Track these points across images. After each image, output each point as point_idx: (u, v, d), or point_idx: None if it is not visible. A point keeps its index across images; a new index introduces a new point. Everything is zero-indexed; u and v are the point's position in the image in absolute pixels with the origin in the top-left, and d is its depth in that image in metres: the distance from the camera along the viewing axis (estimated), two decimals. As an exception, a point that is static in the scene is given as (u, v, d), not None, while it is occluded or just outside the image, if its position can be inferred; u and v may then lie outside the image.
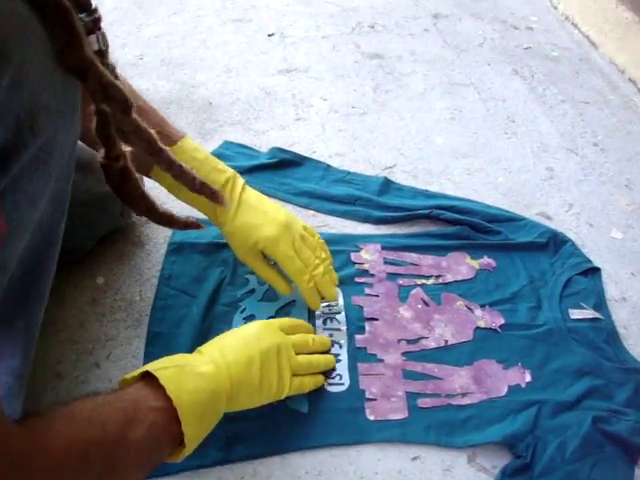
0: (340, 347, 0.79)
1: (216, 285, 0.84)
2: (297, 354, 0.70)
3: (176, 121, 1.11)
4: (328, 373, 0.76)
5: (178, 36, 1.35)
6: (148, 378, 0.55)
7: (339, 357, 0.78)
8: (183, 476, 0.67)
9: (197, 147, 0.77)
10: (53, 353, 0.76)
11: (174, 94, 1.18)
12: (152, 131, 0.53)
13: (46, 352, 0.76)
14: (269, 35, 1.38)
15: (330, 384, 0.75)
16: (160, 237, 0.91)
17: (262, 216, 0.77)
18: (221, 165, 0.78)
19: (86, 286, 0.84)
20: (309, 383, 0.72)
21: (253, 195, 0.79)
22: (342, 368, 0.77)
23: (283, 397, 0.68)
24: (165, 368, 0.56)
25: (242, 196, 0.78)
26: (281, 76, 1.26)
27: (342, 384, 0.75)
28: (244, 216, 0.77)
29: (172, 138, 0.75)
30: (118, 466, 0.49)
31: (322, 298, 0.82)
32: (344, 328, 0.81)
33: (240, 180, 0.79)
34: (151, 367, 0.56)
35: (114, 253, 0.88)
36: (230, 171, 0.78)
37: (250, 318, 0.81)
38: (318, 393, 0.74)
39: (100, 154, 0.51)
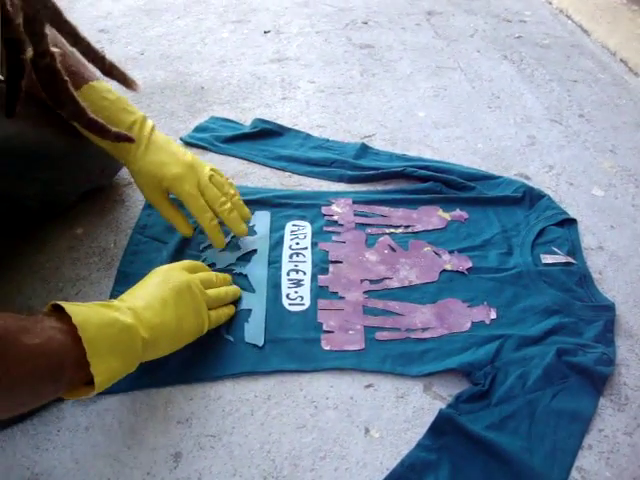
0: (304, 274, 0.81)
1: None
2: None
3: (168, 103, 1.17)
4: (237, 304, 0.78)
5: (179, 35, 1.42)
6: (58, 312, 0.55)
7: (302, 282, 0.80)
8: (132, 395, 0.68)
9: (110, 89, 0.78)
10: (26, 290, 0.79)
11: (169, 81, 1.23)
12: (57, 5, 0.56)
13: (19, 289, 0.79)
14: (265, 32, 1.44)
15: (292, 304, 0.77)
16: (140, 196, 0.93)
17: (169, 156, 0.79)
18: (131, 107, 0.79)
19: (65, 235, 0.87)
20: (224, 314, 0.74)
21: (161, 137, 0.81)
22: (304, 291, 0.79)
23: (205, 332, 0.70)
24: (76, 305, 0.56)
25: (151, 137, 0.79)
26: (272, 64, 1.31)
27: (303, 304, 0.78)
28: (151, 155, 0.78)
29: (86, 79, 0.76)
30: (8, 365, 0.48)
31: (232, 236, 0.87)
32: (309, 260, 0.83)
33: (149, 122, 0.80)
34: (62, 302, 0.56)
35: (95, 208, 0.92)
36: (139, 113, 0.79)
37: (210, 267, 0.82)
38: (278, 315, 0.76)
39: (29, 52, 0.54)
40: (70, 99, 0.61)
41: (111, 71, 0.66)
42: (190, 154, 0.82)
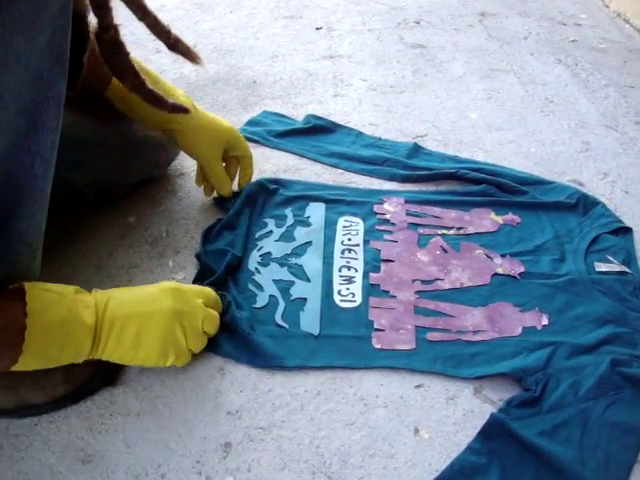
0: (356, 271, 0.82)
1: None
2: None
3: (220, 96, 1.18)
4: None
5: (232, 29, 1.43)
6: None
7: (354, 279, 0.81)
8: (183, 384, 0.69)
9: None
10: (80, 275, 0.81)
11: (222, 75, 1.25)
12: None
13: (73, 274, 0.81)
14: (317, 28, 1.44)
15: (343, 300, 0.78)
16: (192, 187, 0.95)
17: (215, 115, 0.87)
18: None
19: (118, 223, 0.89)
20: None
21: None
22: (356, 288, 0.80)
23: (167, 365, 0.66)
24: (46, 290, 0.58)
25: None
26: (325, 61, 1.31)
27: (354, 301, 0.78)
28: (204, 114, 0.84)
29: None
30: None
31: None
32: (361, 258, 0.84)
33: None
34: (32, 284, 0.58)
35: (148, 198, 0.93)
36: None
37: (266, 255, 0.83)
38: (330, 310, 0.77)
39: (95, 25, 0.56)
40: (131, 71, 0.63)
41: (176, 45, 0.67)
42: None
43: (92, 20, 0.59)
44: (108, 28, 0.58)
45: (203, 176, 0.90)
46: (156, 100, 0.69)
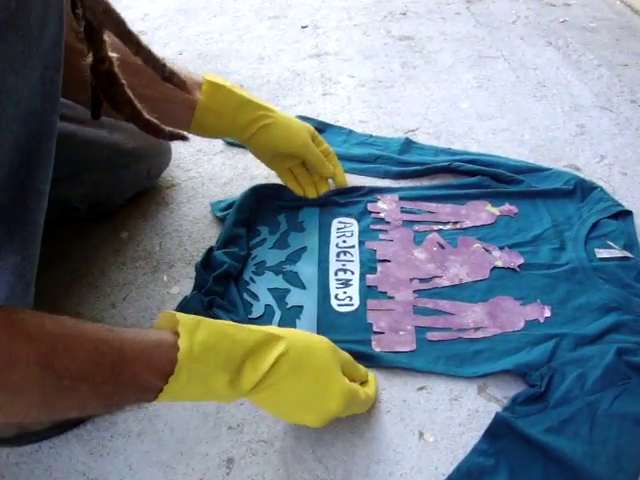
0: (352, 274, 0.80)
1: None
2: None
3: (208, 102, 1.17)
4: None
5: (216, 34, 1.42)
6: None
7: (350, 282, 0.79)
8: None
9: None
10: (74, 295, 0.80)
11: (208, 81, 1.23)
12: (121, 15, 0.57)
13: (67, 294, 0.80)
14: (303, 27, 1.43)
15: (340, 305, 0.77)
16: (183, 197, 0.94)
17: (296, 123, 0.89)
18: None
19: (111, 239, 0.88)
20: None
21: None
22: (353, 291, 0.78)
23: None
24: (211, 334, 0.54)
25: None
26: (312, 60, 1.30)
27: (352, 305, 0.77)
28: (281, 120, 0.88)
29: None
30: (119, 382, 0.49)
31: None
32: (357, 259, 0.82)
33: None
34: (185, 318, 0.54)
35: (139, 212, 0.92)
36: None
37: (261, 264, 0.82)
38: (327, 315, 0.75)
39: (89, 57, 0.55)
40: (127, 102, 0.62)
41: (171, 78, 0.66)
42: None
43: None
44: (103, 60, 0.57)
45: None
46: (154, 129, 0.68)
